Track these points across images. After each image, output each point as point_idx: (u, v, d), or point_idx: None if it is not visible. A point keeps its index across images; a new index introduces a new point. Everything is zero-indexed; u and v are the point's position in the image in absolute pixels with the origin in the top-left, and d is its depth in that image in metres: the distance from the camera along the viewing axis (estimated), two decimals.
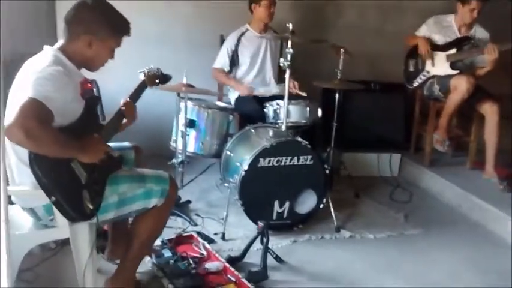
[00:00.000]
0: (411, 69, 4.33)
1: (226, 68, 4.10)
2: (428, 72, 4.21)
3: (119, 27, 2.13)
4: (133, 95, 2.39)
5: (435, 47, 4.18)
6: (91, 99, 2.08)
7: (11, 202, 2.05)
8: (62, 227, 1.99)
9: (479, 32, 4.15)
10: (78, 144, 1.90)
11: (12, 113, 1.70)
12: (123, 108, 2.29)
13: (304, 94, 3.82)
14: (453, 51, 4.10)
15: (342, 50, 3.65)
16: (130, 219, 2.32)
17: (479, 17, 4.04)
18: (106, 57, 2.15)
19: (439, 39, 4.19)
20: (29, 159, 1.78)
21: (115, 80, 3.54)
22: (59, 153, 1.84)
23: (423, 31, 4.28)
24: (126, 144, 2.48)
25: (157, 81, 2.55)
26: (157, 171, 2.26)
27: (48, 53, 2.00)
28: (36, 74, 1.85)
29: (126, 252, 2.25)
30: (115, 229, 2.53)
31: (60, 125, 1.86)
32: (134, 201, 2.13)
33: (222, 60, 4.10)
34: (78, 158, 1.91)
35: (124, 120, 2.33)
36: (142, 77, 2.48)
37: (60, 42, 2.06)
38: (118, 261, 2.38)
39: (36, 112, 1.72)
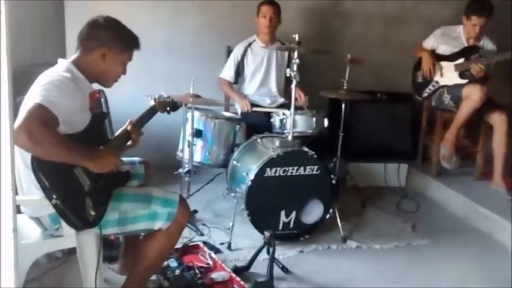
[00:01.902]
0: (419, 80, 4.34)
1: (232, 79, 4.13)
2: (437, 82, 4.22)
3: (130, 41, 2.21)
4: (143, 118, 2.43)
5: (443, 58, 4.19)
6: (98, 114, 2.12)
7: (19, 211, 2.07)
8: (68, 237, 2.00)
9: (487, 45, 4.16)
10: (87, 151, 1.91)
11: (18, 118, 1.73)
12: (131, 131, 2.31)
13: (305, 108, 3.82)
14: (461, 60, 4.10)
15: (348, 55, 3.66)
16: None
17: (482, 31, 4.05)
18: (119, 71, 2.20)
19: (446, 49, 4.20)
20: (31, 161, 1.79)
21: (122, 90, 3.54)
22: (64, 157, 1.83)
23: (430, 42, 4.29)
24: (136, 159, 2.48)
25: (168, 108, 2.61)
26: (168, 193, 2.21)
27: (61, 65, 2.05)
28: (45, 80, 1.90)
29: (133, 269, 2.24)
30: (127, 244, 2.53)
31: (65, 133, 1.88)
32: (137, 221, 2.10)
33: (228, 71, 4.12)
34: (87, 166, 1.91)
35: (129, 143, 2.34)
36: (152, 103, 2.53)
37: (74, 56, 2.12)
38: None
39: (40, 116, 1.75)
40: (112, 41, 2.13)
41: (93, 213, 1.92)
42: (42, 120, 1.75)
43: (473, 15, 3.98)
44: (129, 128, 2.31)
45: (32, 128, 1.71)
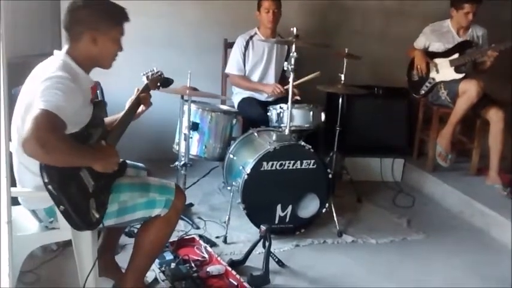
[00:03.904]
0: (415, 78, 4.33)
1: (243, 72, 4.07)
2: (433, 79, 4.21)
3: (117, 15, 2.09)
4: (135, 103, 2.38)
5: (437, 55, 4.20)
6: (98, 103, 2.07)
7: (17, 203, 2.06)
8: (64, 229, 1.98)
9: (477, 30, 4.17)
10: (92, 152, 1.90)
11: (25, 126, 1.66)
12: (142, 95, 2.33)
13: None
14: (456, 56, 4.10)
15: (346, 49, 3.66)
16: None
17: (474, 19, 4.06)
18: (114, 50, 2.10)
19: (439, 46, 4.21)
20: (40, 169, 1.74)
21: (119, 82, 3.54)
22: (74, 163, 1.82)
23: (422, 41, 4.30)
24: (140, 164, 2.44)
25: (158, 84, 2.54)
26: (163, 181, 2.22)
27: (57, 58, 1.98)
28: (44, 83, 1.81)
29: (129, 263, 2.23)
30: (105, 244, 2.46)
31: (70, 132, 1.83)
32: (135, 210, 2.09)
33: (238, 65, 4.05)
34: (93, 166, 1.89)
35: (140, 109, 2.36)
36: (145, 80, 2.48)
37: (66, 46, 2.03)
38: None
39: (50, 123, 1.68)
40: (98, 21, 2.01)
41: (97, 215, 1.89)
42: (52, 127, 1.68)
43: (466, 3, 4.00)
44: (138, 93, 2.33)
45: (44, 137, 1.64)
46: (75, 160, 1.81)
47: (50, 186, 1.74)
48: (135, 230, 2.98)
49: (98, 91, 3.23)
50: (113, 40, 2.08)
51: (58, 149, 1.68)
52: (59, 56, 1.99)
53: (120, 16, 2.09)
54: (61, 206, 1.77)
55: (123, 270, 2.45)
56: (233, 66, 4.06)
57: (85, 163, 1.88)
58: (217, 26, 4.42)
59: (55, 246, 2.72)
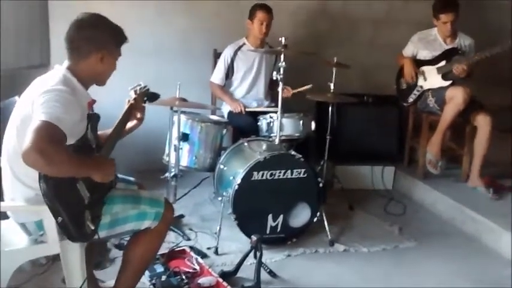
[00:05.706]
0: (403, 87, 4.36)
1: (222, 82, 4.10)
2: (421, 87, 4.24)
3: (120, 36, 2.15)
4: (127, 113, 2.38)
5: (424, 63, 4.23)
6: (92, 116, 2.06)
7: (6, 216, 2.04)
8: (52, 243, 1.97)
9: (465, 40, 4.20)
10: (91, 162, 1.91)
11: (26, 138, 1.67)
12: (134, 109, 2.34)
13: (307, 87, 3.80)
14: (443, 63, 4.13)
15: (335, 58, 3.68)
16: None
17: (454, 28, 4.10)
18: (113, 68, 2.17)
19: (427, 54, 4.24)
20: (39, 179, 1.74)
21: (108, 93, 3.50)
22: (74, 173, 1.83)
23: (410, 49, 4.34)
24: (131, 178, 2.43)
25: (145, 98, 2.54)
26: (154, 194, 2.23)
27: (57, 73, 1.99)
28: (44, 95, 1.83)
29: (118, 277, 2.22)
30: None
31: (67, 144, 1.83)
32: (126, 222, 2.10)
33: (219, 75, 4.07)
34: (92, 176, 1.89)
35: (133, 123, 2.37)
36: (133, 95, 2.47)
37: (68, 62, 2.04)
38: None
39: (51, 134, 1.69)
40: (107, 41, 2.08)
41: (92, 226, 1.89)
42: (53, 138, 1.69)
43: (441, 14, 4.05)
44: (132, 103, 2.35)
45: (44, 148, 1.64)
46: (76, 170, 1.82)
47: (47, 198, 1.75)
48: (125, 243, 2.97)
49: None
50: (115, 59, 2.15)
51: (59, 160, 1.69)
52: (60, 70, 2.01)
53: (122, 36, 2.16)
54: (59, 218, 1.77)
55: (101, 284, 2.43)
56: (215, 76, 4.10)
57: (85, 173, 1.88)
58: (207, 36, 4.43)
59: (44, 260, 2.69)
